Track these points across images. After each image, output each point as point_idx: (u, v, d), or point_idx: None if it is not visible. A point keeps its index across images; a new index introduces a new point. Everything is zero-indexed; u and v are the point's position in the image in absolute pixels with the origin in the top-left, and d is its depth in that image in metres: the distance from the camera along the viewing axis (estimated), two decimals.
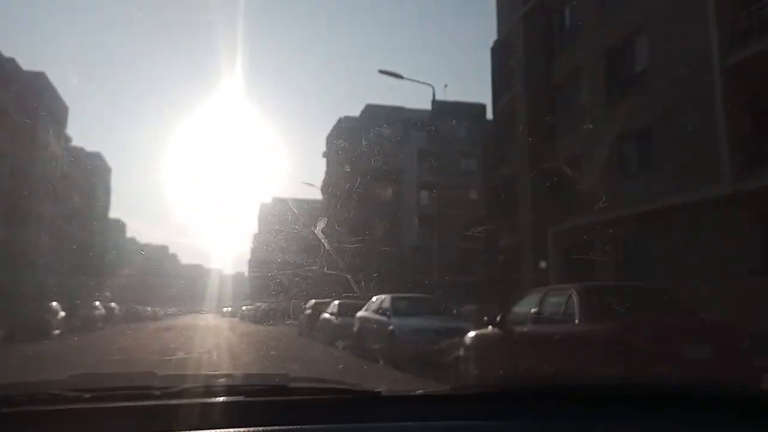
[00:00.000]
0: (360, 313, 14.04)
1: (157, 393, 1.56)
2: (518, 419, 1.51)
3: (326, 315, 17.83)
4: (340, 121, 49.35)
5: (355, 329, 13.60)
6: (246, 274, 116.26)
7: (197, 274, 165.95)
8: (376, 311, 12.91)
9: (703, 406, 1.56)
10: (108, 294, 70.32)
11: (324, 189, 58.68)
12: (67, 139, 51.08)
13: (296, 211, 76.59)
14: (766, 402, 1.62)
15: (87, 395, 1.51)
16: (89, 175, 58.28)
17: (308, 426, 1.39)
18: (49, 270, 46.62)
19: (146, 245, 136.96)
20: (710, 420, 1.50)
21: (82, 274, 56.76)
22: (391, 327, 11.52)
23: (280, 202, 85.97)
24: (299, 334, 20.95)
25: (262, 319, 39.96)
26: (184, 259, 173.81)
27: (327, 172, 54.86)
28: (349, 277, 47.59)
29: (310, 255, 64.04)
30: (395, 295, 13.14)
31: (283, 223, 77.86)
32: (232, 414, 1.47)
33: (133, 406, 1.51)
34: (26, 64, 43.27)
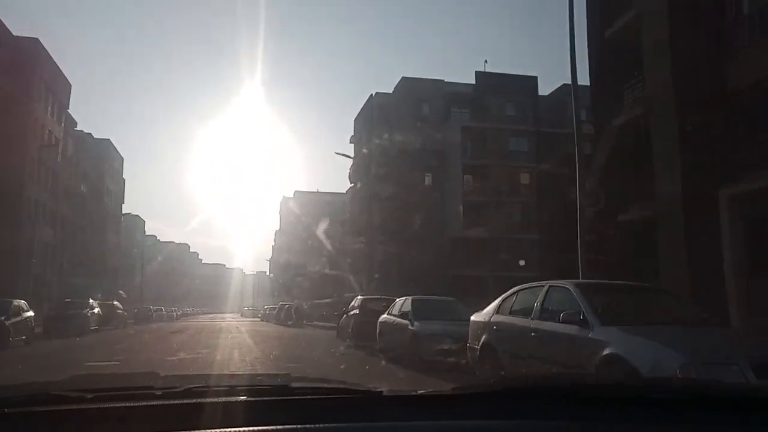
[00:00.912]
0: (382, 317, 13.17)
1: (159, 393, 1.56)
2: (520, 419, 1.50)
3: (389, 317, 12.57)
4: (371, 98, 43.95)
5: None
6: (267, 273, 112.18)
7: (218, 273, 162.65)
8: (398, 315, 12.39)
9: (704, 406, 1.55)
10: (122, 293, 66.10)
11: (352, 176, 53.20)
12: (71, 122, 46.48)
13: (318, 205, 71.35)
14: (766, 402, 1.60)
15: (89, 395, 1.51)
16: (97, 163, 53.73)
17: (310, 426, 1.38)
18: (55, 267, 42.12)
19: (168, 243, 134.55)
20: (710, 420, 1.50)
21: (89, 273, 52.51)
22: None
23: (302, 195, 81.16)
24: (345, 344, 15.57)
25: (286, 320, 35.02)
26: (206, 258, 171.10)
27: (355, 159, 49.54)
28: (377, 276, 41.87)
29: (333, 252, 58.85)
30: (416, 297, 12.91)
31: (305, 217, 72.78)
32: (234, 414, 1.46)
33: (135, 407, 1.50)
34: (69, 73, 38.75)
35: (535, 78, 41.44)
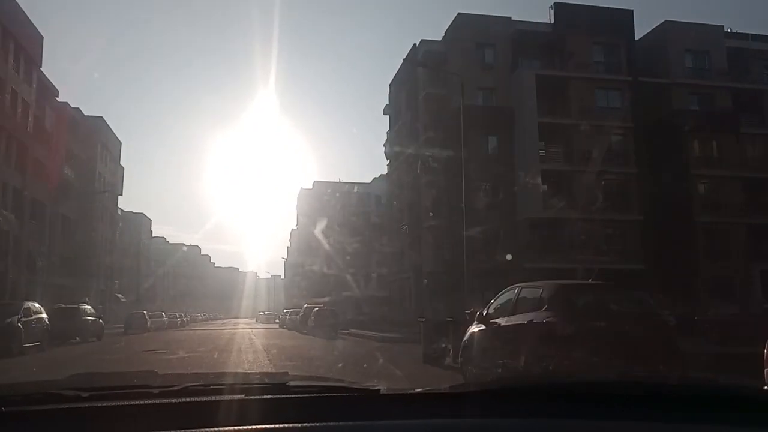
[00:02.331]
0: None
1: (156, 392, 1.55)
2: (517, 418, 1.51)
3: None
4: (414, 49, 35.17)
5: None
6: (282, 276, 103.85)
7: (231, 276, 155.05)
8: None
9: (703, 406, 1.55)
10: (120, 296, 57.87)
11: (390, 151, 44.28)
12: (50, 89, 38.25)
13: (342, 196, 61.94)
14: (766, 402, 1.62)
15: (85, 394, 1.50)
16: (86, 143, 45.52)
17: (307, 424, 1.38)
18: (22, 262, 33.89)
19: (178, 245, 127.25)
20: (710, 419, 1.50)
21: (74, 272, 44.37)
22: None
23: (322, 186, 72.58)
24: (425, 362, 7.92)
25: (316, 327, 26.38)
26: (218, 263, 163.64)
27: (393, 131, 40.87)
28: (427, 281, 32.61)
29: (359, 248, 49.34)
30: None
31: (326, 210, 63.60)
32: (231, 412, 1.46)
33: (132, 405, 1.49)
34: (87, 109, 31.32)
35: (630, 12, 32.38)
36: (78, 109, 44.72)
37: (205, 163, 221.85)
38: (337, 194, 70.52)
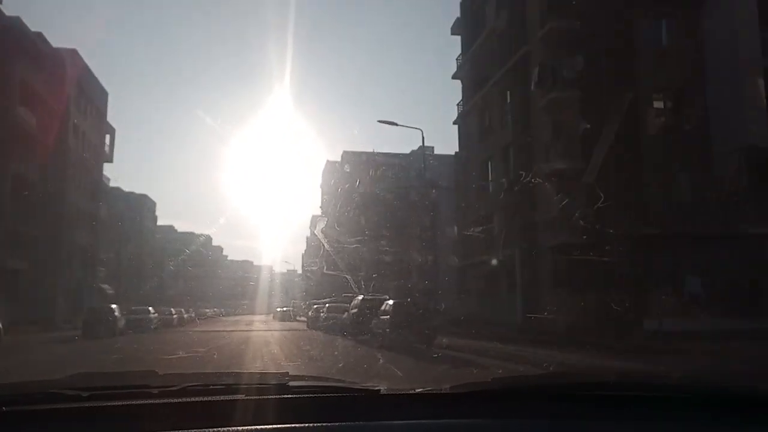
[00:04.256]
0: None
1: (156, 392, 1.54)
2: (516, 418, 1.50)
3: None
4: None
5: None
6: (299, 271, 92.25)
7: (245, 269, 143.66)
8: None
9: (702, 406, 1.55)
10: (106, 287, 46.70)
11: (468, 80, 31.74)
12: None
13: (380, 168, 50.18)
14: (766, 402, 1.59)
15: (85, 394, 1.49)
16: (54, 81, 33.95)
17: (308, 424, 1.38)
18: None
19: (187, 233, 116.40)
20: (709, 419, 1.49)
21: (24, 253, 32.82)
22: None
23: (355, 156, 60.86)
24: None
25: (394, 336, 14.58)
26: (232, 255, 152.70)
27: (474, 45, 28.73)
28: (550, 261, 20.79)
29: (409, 228, 38.99)
30: None
31: (359, 185, 51.72)
32: (231, 412, 1.45)
33: (132, 405, 1.49)
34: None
35: None
36: (39, 33, 33.19)
37: (217, 158, 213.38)
38: (371, 166, 58.78)
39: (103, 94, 43.94)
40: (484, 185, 27.13)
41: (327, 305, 27.36)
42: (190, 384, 1.58)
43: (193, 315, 51.16)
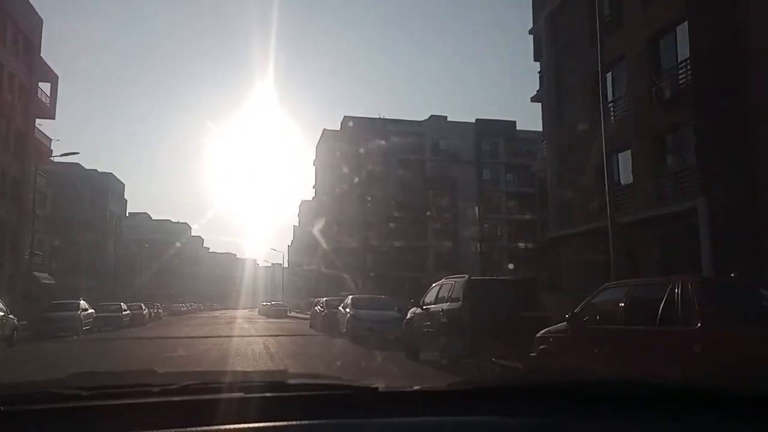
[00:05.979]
0: None
1: (156, 390, 1.55)
2: (515, 416, 1.50)
3: None
4: None
5: None
6: (283, 265, 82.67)
7: (228, 262, 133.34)
8: None
9: (703, 406, 1.54)
10: (40, 275, 36.61)
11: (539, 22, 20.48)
12: None
13: (385, 137, 41.45)
14: (766, 402, 1.58)
15: (85, 393, 1.50)
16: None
17: (306, 422, 1.39)
18: None
19: (162, 221, 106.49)
20: (710, 419, 1.48)
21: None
22: None
23: (358, 122, 51.53)
24: None
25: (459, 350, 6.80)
26: (213, 248, 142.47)
27: None
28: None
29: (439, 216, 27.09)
30: None
31: (359, 163, 44.47)
32: (230, 410, 1.46)
33: (132, 404, 1.49)
34: None
35: None
36: None
37: (202, 152, 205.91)
38: (376, 132, 49.32)
39: (36, 21, 33.37)
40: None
41: (353, 296, 17.97)
42: (191, 382, 1.59)
43: (160, 311, 41.41)
